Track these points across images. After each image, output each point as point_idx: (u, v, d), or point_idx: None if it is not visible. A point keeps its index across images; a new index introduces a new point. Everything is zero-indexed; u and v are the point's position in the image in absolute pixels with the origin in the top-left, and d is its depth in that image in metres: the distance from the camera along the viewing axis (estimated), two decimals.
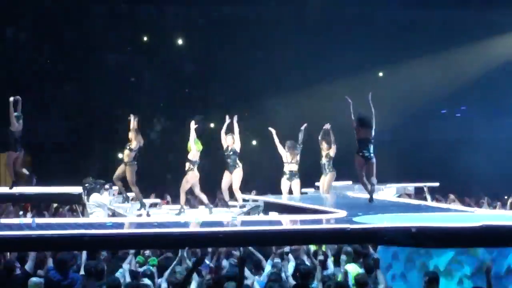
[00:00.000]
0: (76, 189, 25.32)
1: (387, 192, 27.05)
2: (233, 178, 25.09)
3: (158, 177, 36.60)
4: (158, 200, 27.88)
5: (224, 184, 25.22)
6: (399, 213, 19.05)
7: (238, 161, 25.15)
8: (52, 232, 16.20)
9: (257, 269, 18.20)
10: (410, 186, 29.25)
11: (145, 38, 46.62)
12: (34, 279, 16.48)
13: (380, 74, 45.16)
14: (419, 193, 28.84)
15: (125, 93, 42.63)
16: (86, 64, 43.88)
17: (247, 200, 25.45)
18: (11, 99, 23.25)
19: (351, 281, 17.01)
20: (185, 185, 24.77)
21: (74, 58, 44.35)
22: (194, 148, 24.68)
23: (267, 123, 29.51)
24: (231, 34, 45.76)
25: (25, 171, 24.53)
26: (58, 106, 43.09)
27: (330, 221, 18.01)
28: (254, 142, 41.45)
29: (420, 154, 40.98)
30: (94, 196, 24.33)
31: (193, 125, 24.84)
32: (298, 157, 26.49)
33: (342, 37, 42.82)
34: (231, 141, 25.23)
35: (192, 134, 24.73)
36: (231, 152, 25.18)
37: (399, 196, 27.63)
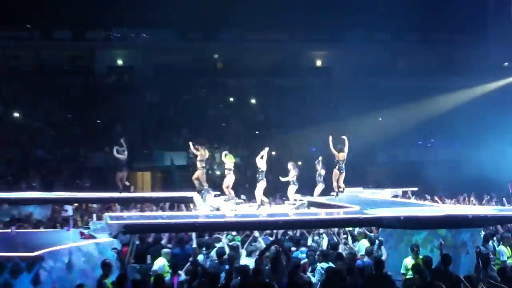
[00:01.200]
0: (190, 194, 27.08)
1: (385, 194, 29.25)
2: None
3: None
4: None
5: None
6: (392, 207, 21.99)
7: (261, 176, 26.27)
8: (176, 220, 19.64)
9: (297, 245, 20.29)
10: (399, 190, 31.20)
11: (231, 99, 50.85)
12: (165, 249, 18.69)
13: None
14: (404, 195, 31.39)
15: (220, 134, 44.89)
16: (195, 115, 46.73)
17: (296, 200, 26.99)
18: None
19: (362, 251, 19.35)
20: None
21: (189, 112, 47.11)
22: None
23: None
24: (283, 97, 50.42)
25: (126, 183, 27.74)
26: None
27: (349, 213, 21.08)
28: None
29: (404, 169, 42.33)
30: (209, 198, 26.50)
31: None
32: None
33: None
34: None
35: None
36: (260, 170, 26.18)
37: (392, 197, 29.67)
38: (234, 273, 15.52)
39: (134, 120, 45.33)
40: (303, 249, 19.81)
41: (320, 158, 28.86)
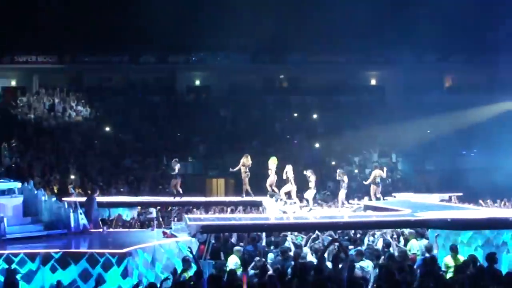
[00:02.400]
0: (259, 198, 26.96)
1: (433, 198, 28.70)
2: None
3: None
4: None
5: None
6: (440, 210, 21.63)
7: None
8: (247, 222, 19.83)
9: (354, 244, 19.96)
10: (446, 195, 30.33)
11: (295, 114, 51.30)
12: (237, 247, 18.75)
13: None
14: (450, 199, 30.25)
15: (286, 145, 44.67)
16: (264, 128, 46.87)
17: (352, 204, 27.10)
18: None
19: (413, 250, 18.98)
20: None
21: (259, 126, 47.53)
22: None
23: None
24: (341, 112, 50.18)
25: (180, 190, 27.30)
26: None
27: (402, 215, 20.99)
28: None
29: (449, 176, 41.44)
30: (278, 203, 26.25)
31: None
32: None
33: None
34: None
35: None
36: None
37: (440, 201, 28.88)
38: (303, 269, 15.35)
39: (210, 133, 45.57)
40: (360, 248, 19.12)
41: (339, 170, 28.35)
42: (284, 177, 26.50)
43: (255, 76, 54.62)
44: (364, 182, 28.58)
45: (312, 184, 26.26)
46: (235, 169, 27.78)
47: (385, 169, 28.17)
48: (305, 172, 26.45)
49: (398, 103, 51.17)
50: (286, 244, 19.43)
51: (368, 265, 16.85)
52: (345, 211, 25.05)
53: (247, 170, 27.48)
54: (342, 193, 26.63)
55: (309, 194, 26.31)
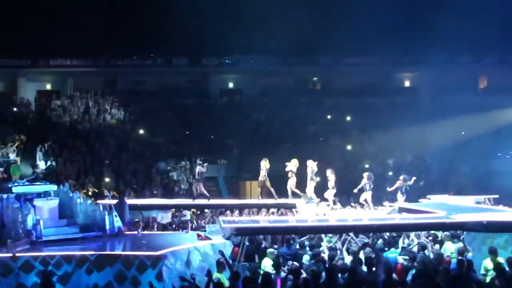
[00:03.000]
0: (293, 201, 26.82)
1: (468, 200, 28.23)
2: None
3: None
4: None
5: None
6: (476, 212, 21.26)
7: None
8: (281, 224, 19.42)
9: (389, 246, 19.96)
10: (482, 197, 29.95)
11: (329, 116, 51.07)
12: (270, 249, 18.56)
13: None
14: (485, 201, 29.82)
15: (319, 147, 44.05)
16: (297, 130, 47.04)
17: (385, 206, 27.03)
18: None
19: (448, 253, 18.81)
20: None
21: (291, 128, 47.48)
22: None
23: None
24: (375, 114, 50.10)
25: (205, 192, 27.72)
26: None
27: (437, 217, 20.72)
28: None
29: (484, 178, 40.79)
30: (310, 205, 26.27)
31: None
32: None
33: None
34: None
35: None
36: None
37: (476, 203, 28.46)
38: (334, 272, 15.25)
39: (243, 135, 45.59)
40: (394, 249, 19.53)
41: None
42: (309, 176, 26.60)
43: (288, 78, 54.60)
44: (388, 189, 28.33)
45: (331, 183, 26.27)
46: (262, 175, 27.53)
47: (409, 181, 27.50)
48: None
49: (431, 104, 50.94)
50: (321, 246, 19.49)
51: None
52: (380, 213, 24.99)
53: (265, 173, 27.41)
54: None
55: (329, 193, 26.30)
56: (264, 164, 27.52)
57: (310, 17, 50.65)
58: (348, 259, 18.12)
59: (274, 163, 28.20)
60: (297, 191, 26.94)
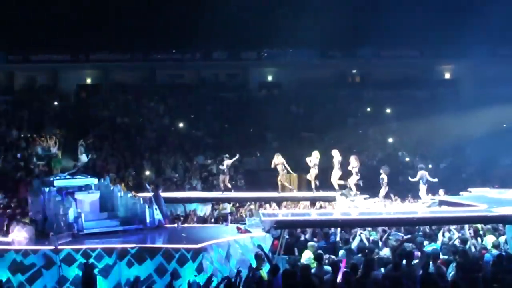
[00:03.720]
0: (332, 194, 26.80)
1: (510, 194, 27.25)
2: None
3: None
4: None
5: None
6: None
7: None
8: (321, 217, 19.55)
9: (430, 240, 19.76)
10: None
11: (368, 109, 50.98)
12: (311, 242, 18.63)
13: None
14: None
15: (359, 140, 44.58)
16: (336, 123, 46.75)
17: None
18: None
19: (489, 246, 18.49)
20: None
21: (331, 121, 47.07)
22: None
23: None
24: (415, 107, 49.44)
25: (228, 184, 28.17)
26: None
27: (478, 211, 20.52)
28: None
29: None
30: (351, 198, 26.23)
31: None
32: None
33: None
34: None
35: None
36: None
37: None
38: (374, 265, 15.20)
39: (282, 129, 45.56)
40: (434, 243, 19.26)
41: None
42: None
43: (327, 71, 54.40)
44: (410, 179, 28.31)
45: (355, 169, 26.49)
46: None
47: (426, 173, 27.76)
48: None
49: (472, 96, 50.30)
50: (358, 239, 19.40)
51: None
52: (420, 206, 24.83)
53: (283, 167, 27.82)
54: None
55: (352, 180, 26.57)
56: (277, 160, 27.92)
57: (349, 9, 50.39)
58: (385, 251, 18.10)
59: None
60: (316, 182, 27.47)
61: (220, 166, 29.14)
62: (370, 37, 50.37)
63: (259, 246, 16.33)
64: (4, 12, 48.33)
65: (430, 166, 40.46)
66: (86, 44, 51.53)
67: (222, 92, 52.45)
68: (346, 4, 49.94)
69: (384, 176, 27.08)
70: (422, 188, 27.01)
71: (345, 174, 26.90)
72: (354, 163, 26.78)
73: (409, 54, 54.60)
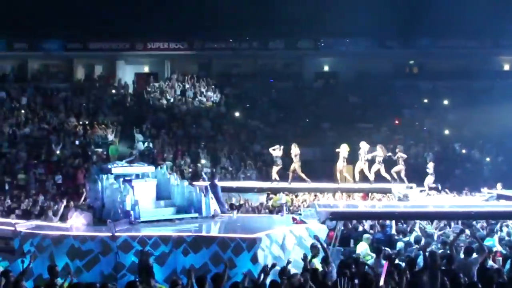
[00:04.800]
0: (389, 185, 26.74)
1: None
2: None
3: None
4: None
5: None
6: None
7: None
8: (377, 209, 19.09)
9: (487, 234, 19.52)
10: None
11: (425, 100, 50.47)
12: (366, 234, 18.75)
13: None
14: None
15: (414, 132, 44.46)
16: (392, 115, 46.78)
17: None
18: None
19: None
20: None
21: (387, 112, 47.06)
22: None
23: None
24: (473, 98, 48.44)
25: (276, 177, 28.80)
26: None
27: None
28: None
29: None
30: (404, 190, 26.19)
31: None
32: None
33: None
34: None
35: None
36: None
37: None
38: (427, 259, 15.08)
39: (338, 119, 45.34)
40: (491, 238, 18.98)
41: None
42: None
43: (384, 62, 53.84)
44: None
45: (379, 158, 26.83)
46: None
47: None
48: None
49: None
50: (415, 233, 19.29)
51: None
52: (477, 199, 24.58)
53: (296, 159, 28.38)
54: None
55: (374, 168, 27.29)
56: (295, 150, 28.35)
57: None
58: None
59: (371, 147, 28.13)
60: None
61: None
62: (428, 27, 49.89)
63: (316, 237, 16.32)
64: (63, 1, 49.18)
65: (488, 159, 40.06)
66: (144, 33, 51.93)
67: (278, 82, 52.48)
68: None
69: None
70: (430, 178, 27.26)
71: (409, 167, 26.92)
72: (379, 153, 27.05)
73: (468, 45, 53.66)
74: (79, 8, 49.16)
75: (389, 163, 27.94)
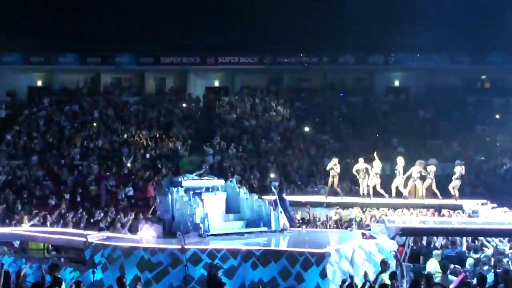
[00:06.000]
0: (460, 201, 26.49)
1: None
2: None
3: None
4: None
5: None
6: None
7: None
8: (447, 225, 18.86)
9: None
10: None
11: (497, 116, 49.39)
12: (436, 251, 18.28)
13: None
14: None
15: (487, 147, 43.88)
16: (464, 130, 45.90)
17: None
18: None
19: None
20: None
21: (458, 127, 46.08)
22: None
23: None
24: None
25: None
26: None
27: None
28: None
29: None
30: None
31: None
32: None
33: None
34: None
35: None
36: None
37: None
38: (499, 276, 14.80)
39: (408, 134, 44.90)
40: None
41: None
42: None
43: (455, 76, 53.20)
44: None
45: (417, 175, 28.28)
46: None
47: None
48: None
49: None
50: (486, 249, 18.97)
51: None
52: None
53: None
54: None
55: (396, 181, 28.54)
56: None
57: (476, 11, 49.33)
58: None
59: (441, 163, 28.02)
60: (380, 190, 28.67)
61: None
62: (501, 41, 49.13)
63: (394, 252, 16.25)
64: (137, 14, 49.95)
65: None
66: (215, 47, 52.39)
67: (348, 96, 52.25)
68: (472, 6, 48.85)
69: (457, 169, 28.05)
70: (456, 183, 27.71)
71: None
72: (416, 169, 27.82)
73: None
74: (152, 21, 49.98)
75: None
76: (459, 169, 28.30)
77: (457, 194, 27.87)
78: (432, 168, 28.61)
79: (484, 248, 19.72)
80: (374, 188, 29.11)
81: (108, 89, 53.46)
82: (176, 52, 53.01)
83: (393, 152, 41.58)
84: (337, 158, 30.70)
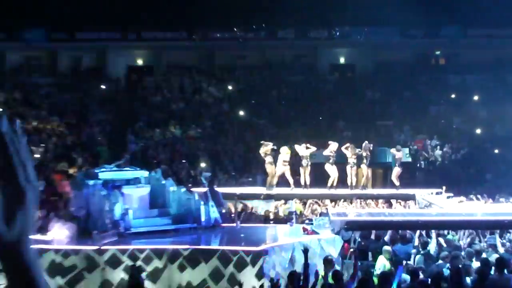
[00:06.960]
0: (412, 191, 26.54)
1: None
2: None
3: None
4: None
5: None
6: None
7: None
8: (397, 218, 19.09)
9: None
10: None
11: (453, 96, 49.79)
12: (386, 247, 18.37)
13: None
14: None
15: (441, 130, 44.21)
16: (416, 111, 46.20)
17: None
18: None
19: None
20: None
21: (410, 108, 46.60)
22: None
23: None
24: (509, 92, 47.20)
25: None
26: None
27: None
28: None
29: None
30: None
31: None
32: None
33: None
34: None
35: None
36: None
37: None
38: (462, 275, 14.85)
39: (355, 116, 45.14)
40: None
41: None
42: None
43: (407, 52, 53.76)
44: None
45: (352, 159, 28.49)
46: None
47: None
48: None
49: None
50: (434, 243, 19.06)
51: None
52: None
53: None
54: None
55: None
56: (286, 152, 29.37)
57: None
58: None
59: (388, 150, 28.21)
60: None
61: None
62: (456, 14, 49.67)
63: (305, 247, 16.29)
64: None
65: None
66: (137, 21, 51.83)
67: (288, 75, 52.23)
68: None
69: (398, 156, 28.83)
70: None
71: None
72: (349, 153, 29.12)
73: (501, 34, 53.44)
74: None
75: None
76: (399, 155, 28.79)
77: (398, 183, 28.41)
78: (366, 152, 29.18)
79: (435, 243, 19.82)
80: (283, 176, 29.19)
81: (15, 69, 52.61)
82: (93, 26, 52.27)
83: (339, 136, 41.88)
84: (270, 143, 30.36)
